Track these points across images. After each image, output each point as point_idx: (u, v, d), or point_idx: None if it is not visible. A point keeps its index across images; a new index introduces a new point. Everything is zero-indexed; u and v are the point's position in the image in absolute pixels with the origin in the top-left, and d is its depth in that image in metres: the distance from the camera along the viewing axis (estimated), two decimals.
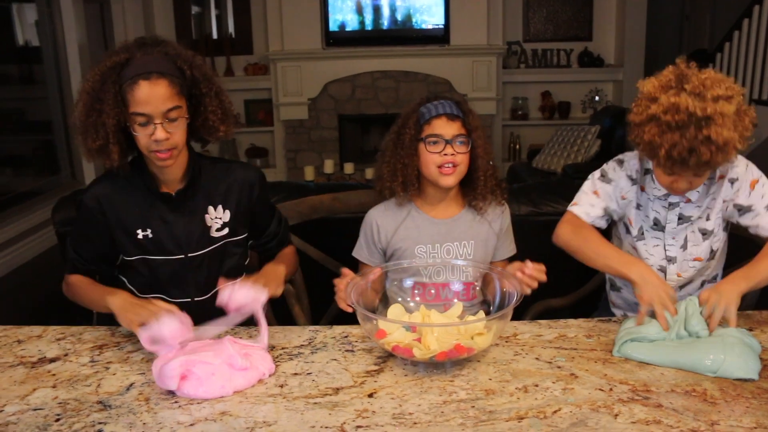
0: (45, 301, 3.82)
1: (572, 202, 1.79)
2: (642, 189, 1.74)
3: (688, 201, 1.68)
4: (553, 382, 1.33)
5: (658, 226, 1.73)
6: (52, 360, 1.47)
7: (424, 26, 6.62)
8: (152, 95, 1.49)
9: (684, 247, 1.73)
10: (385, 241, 1.86)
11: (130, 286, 1.72)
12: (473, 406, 1.25)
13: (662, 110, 1.46)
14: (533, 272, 1.54)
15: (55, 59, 5.41)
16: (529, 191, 2.71)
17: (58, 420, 1.23)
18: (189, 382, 1.29)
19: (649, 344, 1.42)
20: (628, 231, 1.79)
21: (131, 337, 1.57)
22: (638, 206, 1.75)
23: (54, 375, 1.40)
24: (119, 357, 1.48)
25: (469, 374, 1.37)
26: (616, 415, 1.21)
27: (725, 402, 1.25)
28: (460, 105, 1.81)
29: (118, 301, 1.51)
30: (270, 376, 1.38)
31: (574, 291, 2.11)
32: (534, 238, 2.63)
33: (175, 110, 1.53)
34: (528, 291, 1.53)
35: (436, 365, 1.39)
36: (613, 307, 1.93)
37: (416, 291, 1.74)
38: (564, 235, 1.75)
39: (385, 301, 1.73)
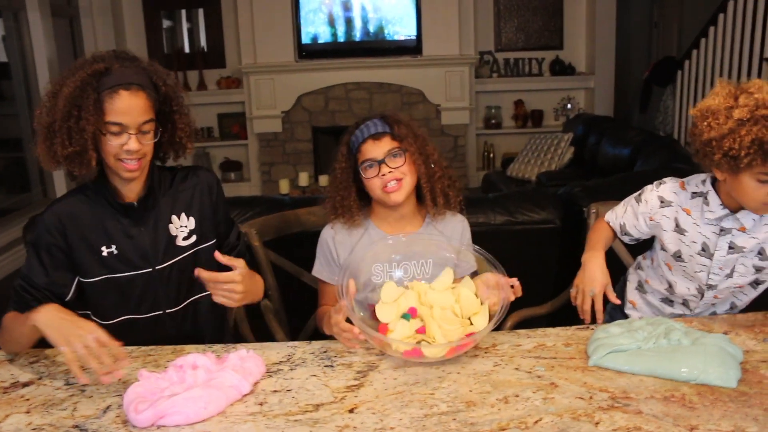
0: None
1: (611, 209, 1.88)
2: (687, 213, 1.71)
3: (743, 230, 1.65)
4: (534, 392, 1.33)
5: (705, 252, 1.69)
6: (26, 384, 1.44)
7: (396, 37, 6.65)
8: (131, 106, 1.51)
9: (730, 276, 1.70)
10: (343, 257, 1.82)
11: (96, 318, 1.65)
12: (455, 419, 1.24)
13: (752, 107, 1.46)
14: (516, 286, 1.53)
15: (24, 75, 5.34)
16: (504, 200, 2.73)
17: None
18: (171, 418, 1.27)
19: (625, 354, 1.42)
20: (663, 248, 1.78)
21: None
22: (680, 230, 1.72)
23: (28, 400, 1.37)
24: (95, 379, 1.45)
25: (449, 386, 1.36)
26: (597, 423, 1.21)
27: (704, 406, 1.26)
28: (386, 119, 1.78)
29: (44, 317, 1.40)
30: (255, 383, 1.39)
31: (552, 299, 2.12)
32: (510, 247, 2.65)
33: (149, 123, 1.55)
34: (512, 297, 1.51)
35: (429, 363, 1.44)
36: (631, 309, 1.94)
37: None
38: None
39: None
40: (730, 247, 1.67)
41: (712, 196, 1.66)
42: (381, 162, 1.73)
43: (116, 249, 1.62)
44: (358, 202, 1.82)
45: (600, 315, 1.66)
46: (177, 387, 1.31)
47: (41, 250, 1.59)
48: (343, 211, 1.80)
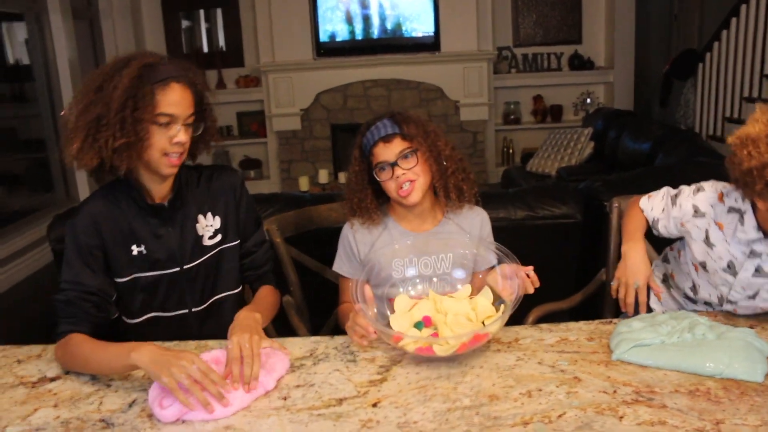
0: (43, 318, 3.80)
1: (648, 194, 1.81)
2: (720, 227, 1.63)
3: None
4: (557, 386, 1.32)
5: (731, 269, 1.63)
6: (53, 379, 1.46)
7: (414, 34, 6.64)
8: (182, 97, 1.53)
9: (753, 297, 1.64)
10: (363, 253, 1.84)
11: (123, 317, 1.67)
12: (478, 413, 1.24)
13: None
14: (532, 275, 1.53)
15: (47, 77, 5.41)
16: (524, 195, 2.72)
17: None
18: (196, 414, 1.27)
19: (649, 348, 1.41)
20: (691, 248, 1.72)
21: None
22: (708, 243, 1.65)
23: (55, 394, 1.39)
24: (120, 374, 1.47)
25: (472, 381, 1.36)
26: (621, 417, 1.20)
27: (729, 401, 1.24)
28: (395, 118, 1.77)
29: (146, 355, 1.33)
30: (279, 379, 1.40)
31: (574, 294, 2.11)
32: (530, 242, 2.64)
33: (192, 116, 1.56)
34: (531, 290, 1.51)
35: (451, 358, 1.42)
36: (655, 302, 1.90)
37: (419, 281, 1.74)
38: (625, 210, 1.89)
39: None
40: (756, 271, 1.60)
41: (749, 217, 1.57)
42: (393, 164, 1.73)
43: (145, 249, 1.62)
44: (376, 202, 1.83)
45: (643, 307, 1.64)
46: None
47: (84, 253, 1.57)
48: (361, 213, 1.82)
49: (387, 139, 1.74)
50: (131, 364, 1.35)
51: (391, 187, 1.76)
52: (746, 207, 1.57)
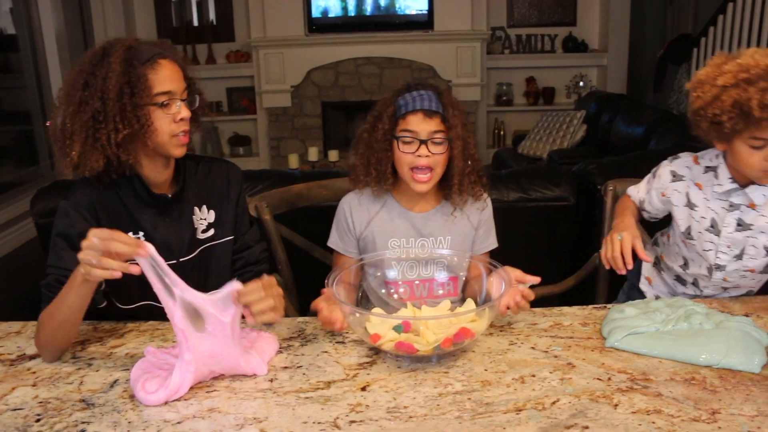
0: (24, 295, 3.74)
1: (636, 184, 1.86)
2: (699, 187, 1.67)
3: (752, 206, 1.61)
4: (551, 372, 1.30)
5: (714, 228, 1.65)
6: (32, 357, 1.42)
7: (407, 12, 6.57)
8: (173, 72, 1.46)
9: (739, 257, 1.66)
10: (358, 230, 1.79)
11: (118, 304, 1.58)
12: (470, 399, 1.21)
13: (736, 72, 1.46)
14: (525, 298, 1.46)
15: (32, 48, 5.30)
16: (517, 177, 2.68)
17: (38, 420, 1.18)
18: (184, 388, 1.24)
19: (643, 336, 1.38)
20: (675, 219, 1.75)
21: (114, 331, 1.52)
22: (690, 205, 1.69)
23: (34, 373, 1.35)
24: (102, 352, 1.43)
25: (464, 365, 1.33)
26: (616, 404, 1.18)
27: (725, 390, 1.22)
28: (441, 96, 1.67)
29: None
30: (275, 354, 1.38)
31: (566, 278, 2.08)
32: (523, 224, 2.61)
33: (186, 90, 1.50)
34: (516, 312, 1.47)
35: (434, 358, 1.36)
36: (646, 285, 1.90)
37: (401, 286, 1.69)
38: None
39: (366, 300, 1.70)
40: (739, 224, 1.63)
41: (722, 170, 1.63)
42: (423, 142, 1.64)
43: (143, 237, 1.53)
44: (392, 168, 1.72)
45: (628, 259, 1.57)
46: (186, 354, 1.26)
47: (74, 238, 1.43)
48: (376, 174, 1.71)
49: (429, 114, 1.64)
50: (84, 279, 1.27)
51: (406, 160, 1.66)
52: (719, 162, 1.65)
